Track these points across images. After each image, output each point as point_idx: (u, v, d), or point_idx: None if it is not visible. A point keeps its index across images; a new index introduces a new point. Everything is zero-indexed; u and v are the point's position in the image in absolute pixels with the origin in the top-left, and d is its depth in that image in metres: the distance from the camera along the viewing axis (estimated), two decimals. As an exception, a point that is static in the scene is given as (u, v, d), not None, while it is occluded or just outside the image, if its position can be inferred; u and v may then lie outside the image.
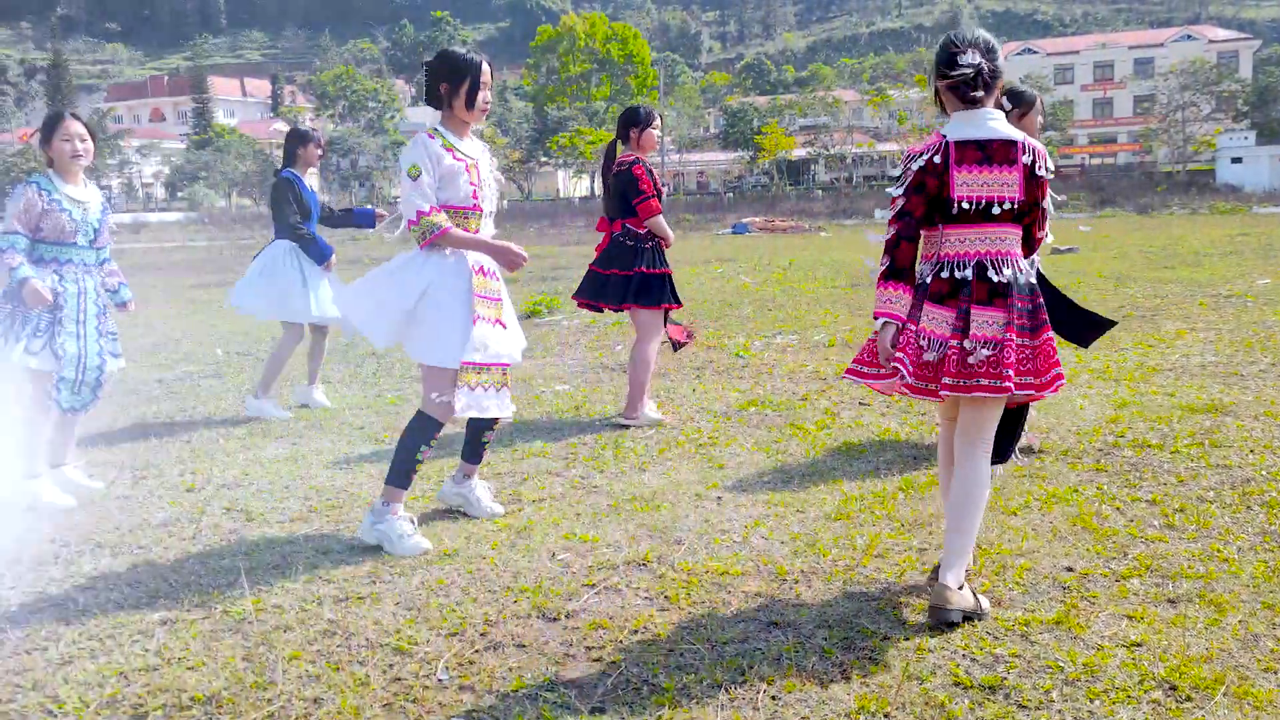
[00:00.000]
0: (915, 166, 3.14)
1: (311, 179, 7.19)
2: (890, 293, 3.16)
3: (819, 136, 66.75)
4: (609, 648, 3.05)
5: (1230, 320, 9.00)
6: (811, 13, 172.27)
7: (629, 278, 5.89)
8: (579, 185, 73.11)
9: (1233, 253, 16.15)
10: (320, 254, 6.53)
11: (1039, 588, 3.37)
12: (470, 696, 2.80)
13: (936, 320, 3.13)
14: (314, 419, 6.46)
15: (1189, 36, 74.80)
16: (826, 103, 67.63)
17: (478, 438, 4.35)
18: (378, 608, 3.41)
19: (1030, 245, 3.26)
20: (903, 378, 3.11)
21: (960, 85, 3.12)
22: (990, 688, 2.71)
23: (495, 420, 4.26)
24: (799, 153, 66.63)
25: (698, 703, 2.69)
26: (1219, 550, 3.63)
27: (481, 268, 4.01)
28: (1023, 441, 4.70)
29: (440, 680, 2.89)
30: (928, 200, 3.13)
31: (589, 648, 3.06)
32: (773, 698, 2.71)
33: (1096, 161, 66.11)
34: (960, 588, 3.11)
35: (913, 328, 3.13)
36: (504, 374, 4.01)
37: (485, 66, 3.98)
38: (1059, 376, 3.13)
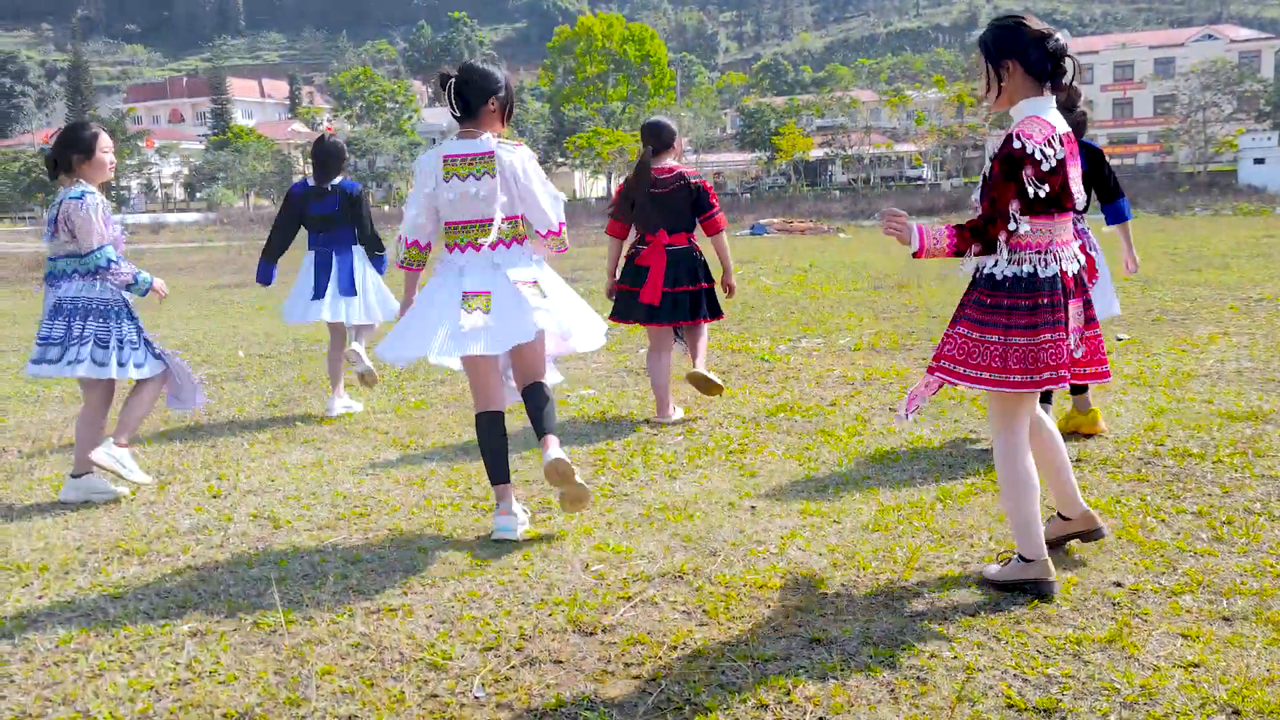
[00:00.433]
0: (1058, 156, 3.12)
1: None
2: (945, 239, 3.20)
3: (836, 137, 66.54)
4: (648, 664, 2.98)
5: (1263, 325, 8.85)
6: (829, 13, 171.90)
7: (699, 293, 5.96)
8: (595, 186, 73.09)
9: (1260, 255, 15.95)
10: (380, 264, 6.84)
11: (1088, 604, 3.28)
12: (507, 715, 2.73)
13: (1075, 315, 3.25)
14: (338, 424, 6.41)
15: (1210, 36, 74.21)
16: (844, 103, 67.42)
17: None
18: (410, 620, 3.34)
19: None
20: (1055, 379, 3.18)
21: (1058, 69, 3.14)
22: (1045, 710, 2.63)
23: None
24: (816, 153, 66.41)
25: (743, 724, 2.62)
26: (1272, 565, 3.52)
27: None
28: None
29: (477, 698, 2.82)
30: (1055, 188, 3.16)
31: (627, 664, 2.99)
32: (820, 719, 2.64)
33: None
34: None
35: (1063, 333, 3.18)
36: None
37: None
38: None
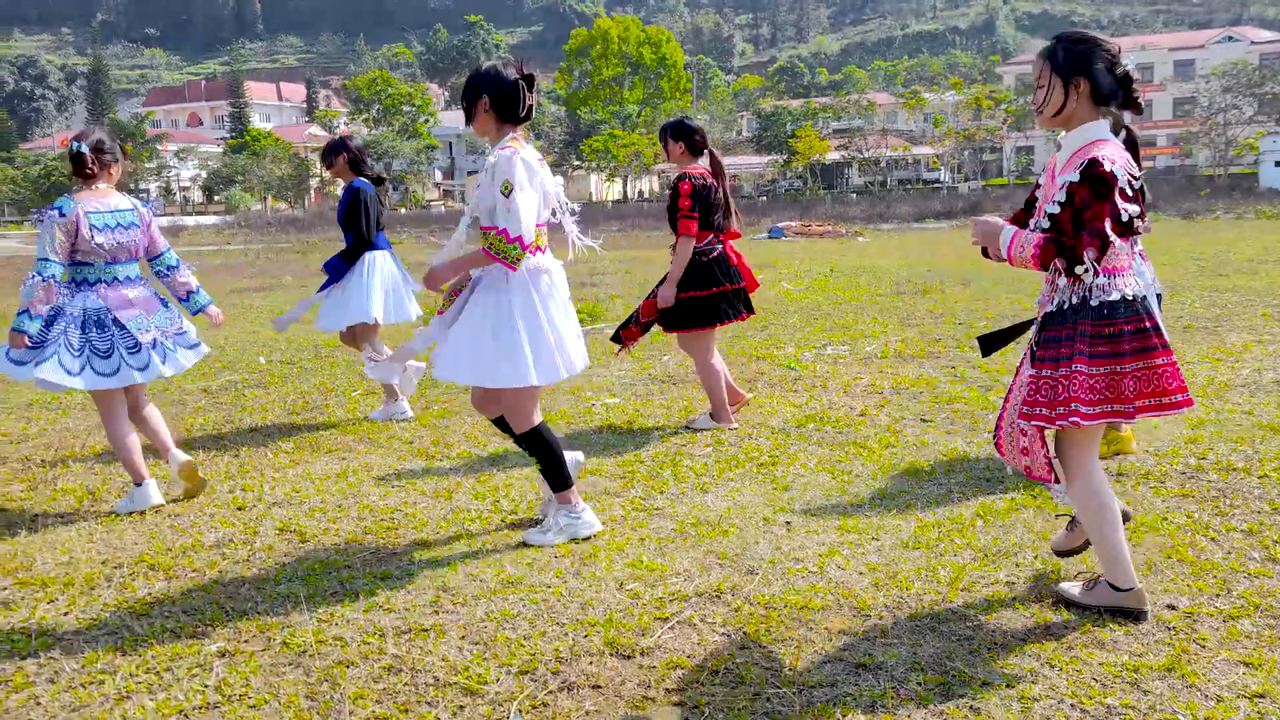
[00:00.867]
0: (1139, 181, 3.07)
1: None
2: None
3: (853, 140, 66.28)
4: (690, 690, 2.89)
5: (1298, 332, 8.69)
6: (845, 15, 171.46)
7: (743, 290, 6.06)
8: (611, 189, 73.04)
9: (1288, 260, 15.72)
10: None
11: (1142, 628, 3.17)
12: (547, 743, 2.64)
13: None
14: (362, 432, 6.34)
15: (1230, 38, 73.58)
16: (860, 106, 67.19)
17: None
18: (443, 641, 3.26)
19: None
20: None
21: (1127, 91, 3.07)
22: (1107, 744, 2.53)
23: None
24: (833, 156, 66.16)
25: (791, 756, 2.53)
26: (1330, 588, 3.41)
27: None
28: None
29: (515, 725, 2.74)
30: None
31: (668, 690, 2.90)
32: (872, 751, 2.54)
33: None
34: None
35: (1172, 355, 3.12)
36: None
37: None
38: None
